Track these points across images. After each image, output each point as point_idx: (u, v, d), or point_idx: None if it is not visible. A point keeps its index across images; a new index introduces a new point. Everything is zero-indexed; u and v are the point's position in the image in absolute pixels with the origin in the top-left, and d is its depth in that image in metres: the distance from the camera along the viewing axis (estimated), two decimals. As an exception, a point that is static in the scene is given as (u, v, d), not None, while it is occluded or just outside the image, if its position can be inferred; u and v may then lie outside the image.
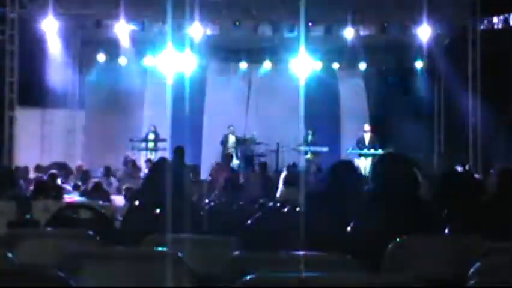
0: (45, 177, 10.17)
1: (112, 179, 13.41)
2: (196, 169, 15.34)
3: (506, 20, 14.92)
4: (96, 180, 11.94)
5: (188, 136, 17.16)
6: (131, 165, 14.36)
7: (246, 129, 17.86)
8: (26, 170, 13.21)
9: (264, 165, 13.65)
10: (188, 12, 15.01)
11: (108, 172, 13.41)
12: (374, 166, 4.43)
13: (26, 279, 2.40)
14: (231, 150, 16.51)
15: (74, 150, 17.69)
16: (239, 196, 7.56)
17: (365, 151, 16.44)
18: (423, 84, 17.50)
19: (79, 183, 11.96)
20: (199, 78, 17.75)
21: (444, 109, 17.48)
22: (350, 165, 4.69)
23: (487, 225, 4.24)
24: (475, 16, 15.44)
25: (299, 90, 18.66)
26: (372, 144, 16.47)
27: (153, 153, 16.56)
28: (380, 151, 15.73)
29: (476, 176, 10.91)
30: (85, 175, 13.08)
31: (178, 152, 10.90)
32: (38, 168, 13.44)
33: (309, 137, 17.04)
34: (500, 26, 15.13)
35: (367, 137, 16.64)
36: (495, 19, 15.12)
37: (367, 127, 16.85)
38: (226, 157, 11.87)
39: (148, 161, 15.16)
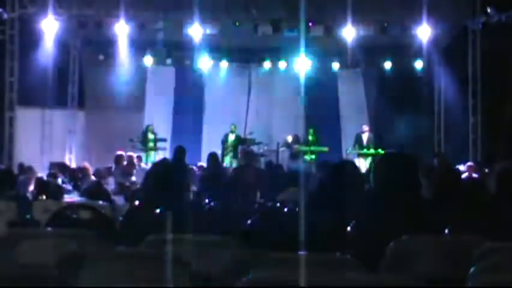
0: (45, 177, 10.17)
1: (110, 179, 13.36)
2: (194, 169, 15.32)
3: (506, 19, 14.89)
4: (96, 180, 11.92)
5: (188, 136, 17.18)
6: (128, 163, 14.29)
7: (246, 129, 17.86)
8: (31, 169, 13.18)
9: (268, 164, 13.57)
10: (188, 12, 15.01)
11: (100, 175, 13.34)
12: (375, 166, 4.43)
13: (26, 279, 2.40)
14: (230, 149, 16.50)
15: (74, 150, 17.71)
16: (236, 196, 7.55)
17: (365, 151, 16.45)
18: (423, 84, 17.49)
19: (79, 183, 11.94)
20: (199, 78, 17.74)
21: (444, 109, 17.47)
22: (352, 166, 4.69)
23: (487, 225, 4.23)
24: (474, 16, 15.44)
25: (299, 90, 18.69)
26: (370, 144, 16.49)
27: (153, 153, 16.53)
28: (380, 151, 15.74)
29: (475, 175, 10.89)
30: (85, 175, 13.05)
31: (178, 151, 10.84)
32: (53, 165, 13.48)
33: (310, 137, 17.03)
34: (500, 26, 15.10)
35: (365, 136, 16.67)
36: (495, 19, 15.09)
37: (365, 127, 16.87)
38: (210, 157, 11.49)
39: (138, 157, 15.12)
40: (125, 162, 13.86)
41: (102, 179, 11.61)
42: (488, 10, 14.75)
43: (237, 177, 10.21)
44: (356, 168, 4.77)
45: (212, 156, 11.31)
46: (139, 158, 15.36)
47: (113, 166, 13.50)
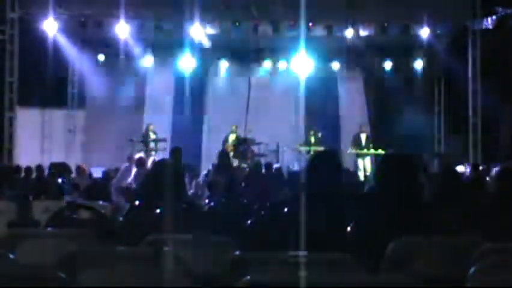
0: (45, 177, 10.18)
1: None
2: (195, 169, 15.32)
3: (505, 19, 14.88)
4: (96, 180, 11.94)
5: (188, 136, 17.18)
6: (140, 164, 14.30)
7: (246, 129, 17.85)
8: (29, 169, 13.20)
9: (268, 166, 13.59)
10: (188, 12, 15.00)
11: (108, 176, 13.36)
12: (376, 166, 4.43)
13: (26, 279, 2.40)
14: (231, 149, 16.49)
15: (74, 150, 17.71)
16: (238, 195, 7.54)
17: (365, 151, 16.46)
18: (424, 84, 17.50)
19: (79, 183, 11.96)
20: (199, 78, 17.73)
21: (445, 109, 17.49)
22: (328, 156, 4.57)
23: (487, 225, 4.23)
24: (475, 16, 15.44)
25: (299, 90, 18.68)
26: (368, 144, 16.51)
27: (153, 153, 16.52)
28: (380, 151, 15.76)
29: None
30: (84, 175, 13.07)
31: (176, 153, 10.90)
32: (53, 165, 13.50)
33: (312, 138, 17.02)
34: (500, 26, 15.10)
35: (363, 136, 16.68)
36: (495, 18, 15.09)
37: (363, 127, 16.88)
38: (222, 154, 11.45)
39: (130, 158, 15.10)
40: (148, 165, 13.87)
41: (109, 181, 11.65)
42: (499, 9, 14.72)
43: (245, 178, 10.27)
44: (335, 157, 4.62)
45: (222, 154, 11.31)
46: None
47: (135, 169, 13.49)
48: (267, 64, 18.33)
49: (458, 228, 4.10)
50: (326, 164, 4.05)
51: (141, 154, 14.55)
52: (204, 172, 11.76)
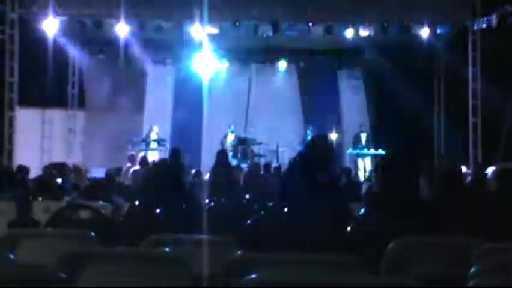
0: (44, 177, 10.17)
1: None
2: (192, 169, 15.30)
3: (505, 18, 14.86)
4: (96, 180, 11.92)
5: (188, 136, 17.19)
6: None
7: (246, 129, 17.86)
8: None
9: (267, 166, 13.59)
10: (188, 12, 15.01)
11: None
12: (375, 167, 4.43)
13: (26, 279, 2.40)
14: (229, 149, 16.49)
15: (74, 150, 17.72)
16: (237, 195, 7.55)
17: (365, 151, 16.46)
18: (424, 84, 17.49)
19: (79, 183, 11.94)
20: (199, 78, 17.74)
21: (445, 109, 17.48)
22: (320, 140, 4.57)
23: (487, 225, 4.23)
24: (475, 16, 15.44)
25: (299, 90, 18.70)
26: (368, 144, 16.50)
27: (154, 153, 16.54)
28: (380, 151, 15.76)
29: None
30: (81, 175, 13.05)
31: (175, 153, 10.91)
32: (52, 166, 13.49)
33: (310, 137, 17.00)
34: (500, 25, 15.08)
35: (363, 136, 16.68)
36: (495, 18, 15.07)
37: (362, 127, 16.89)
38: (220, 154, 11.41)
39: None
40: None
41: (110, 181, 11.64)
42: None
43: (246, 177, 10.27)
44: (325, 143, 4.64)
45: (220, 154, 11.27)
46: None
47: (135, 168, 13.50)
48: (267, 64, 18.33)
49: (458, 229, 4.10)
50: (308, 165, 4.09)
51: (143, 154, 14.59)
52: (193, 172, 11.76)
